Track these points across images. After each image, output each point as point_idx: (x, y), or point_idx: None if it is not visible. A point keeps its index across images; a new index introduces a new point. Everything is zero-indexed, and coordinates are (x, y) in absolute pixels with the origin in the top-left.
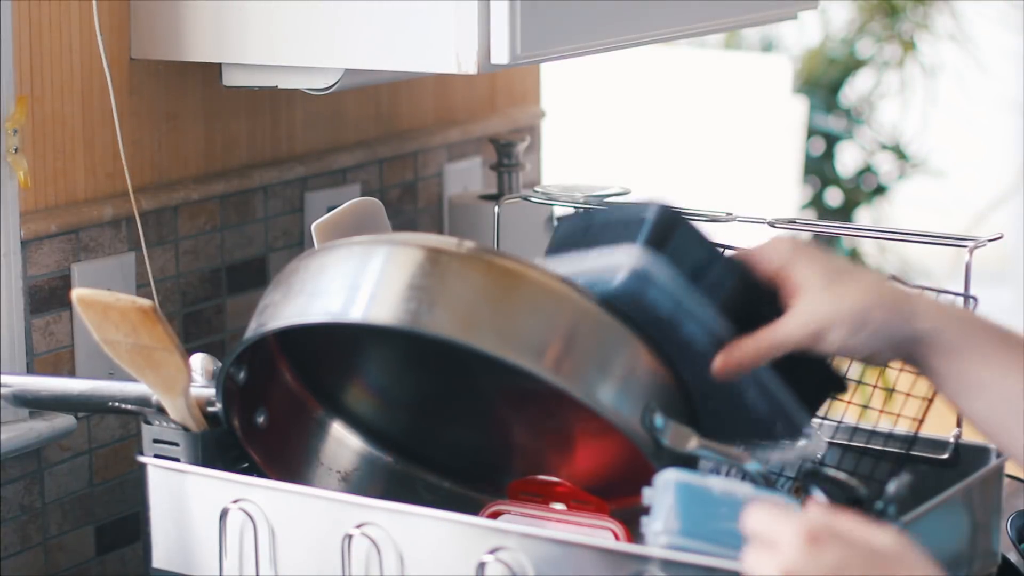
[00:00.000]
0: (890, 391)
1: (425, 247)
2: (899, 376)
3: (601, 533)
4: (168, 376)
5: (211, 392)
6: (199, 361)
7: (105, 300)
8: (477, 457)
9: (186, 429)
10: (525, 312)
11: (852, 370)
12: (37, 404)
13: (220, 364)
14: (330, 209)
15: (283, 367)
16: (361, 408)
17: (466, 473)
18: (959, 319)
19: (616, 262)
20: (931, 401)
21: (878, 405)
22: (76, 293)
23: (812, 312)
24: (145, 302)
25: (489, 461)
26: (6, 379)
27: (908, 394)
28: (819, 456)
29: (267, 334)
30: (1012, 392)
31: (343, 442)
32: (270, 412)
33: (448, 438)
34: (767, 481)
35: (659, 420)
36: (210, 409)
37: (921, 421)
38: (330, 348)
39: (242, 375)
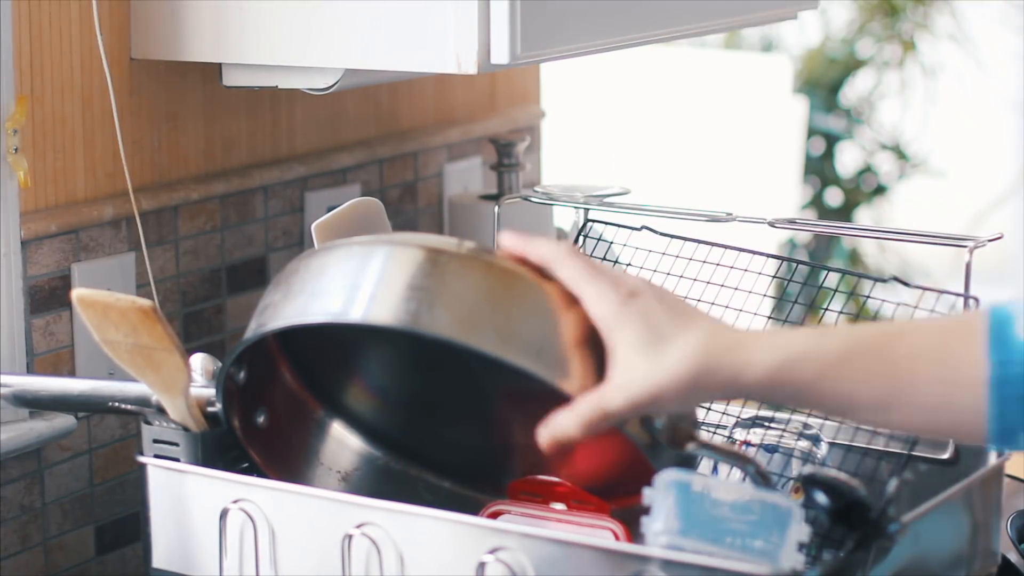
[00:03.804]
0: None
1: (425, 247)
2: None
3: (601, 533)
4: (168, 376)
5: (211, 392)
6: (199, 361)
7: (105, 300)
8: (477, 457)
9: (186, 429)
10: (525, 312)
11: None
12: (37, 404)
13: (220, 364)
14: (330, 209)
15: (283, 367)
16: (361, 408)
17: (466, 473)
18: (794, 353)
19: None
20: None
21: None
22: (76, 293)
23: (629, 384)
24: (145, 302)
25: (489, 461)
26: (6, 379)
27: None
28: (820, 457)
29: (267, 334)
30: (882, 396)
31: (343, 442)
32: (270, 412)
33: (448, 438)
34: (767, 481)
35: (659, 420)
36: (210, 409)
37: None
38: (330, 348)
39: (242, 375)
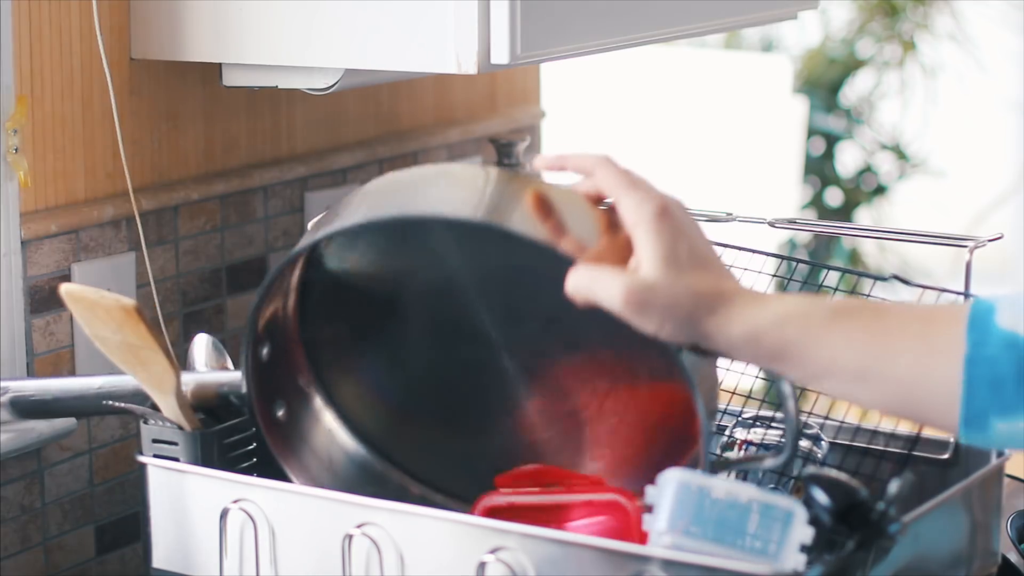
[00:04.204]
0: None
1: (469, 167)
2: None
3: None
4: (156, 374)
5: (210, 378)
6: (203, 342)
7: (91, 297)
8: (479, 472)
9: (180, 428)
10: (566, 212)
11: None
12: (40, 412)
13: (220, 348)
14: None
15: (301, 362)
16: (367, 418)
17: (466, 491)
18: (782, 312)
19: None
20: None
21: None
22: (64, 288)
23: (631, 280)
24: (128, 301)
25: (490, 473)
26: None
27: None
28: (821, 457)
29: (326, 236)
30: (860, 365)
31: (346, 450)
32: (288, 408)
33: (452, 446)
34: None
35: None
36: (229, 397)
37: None
38: (347, 336)
39: (265, 351)
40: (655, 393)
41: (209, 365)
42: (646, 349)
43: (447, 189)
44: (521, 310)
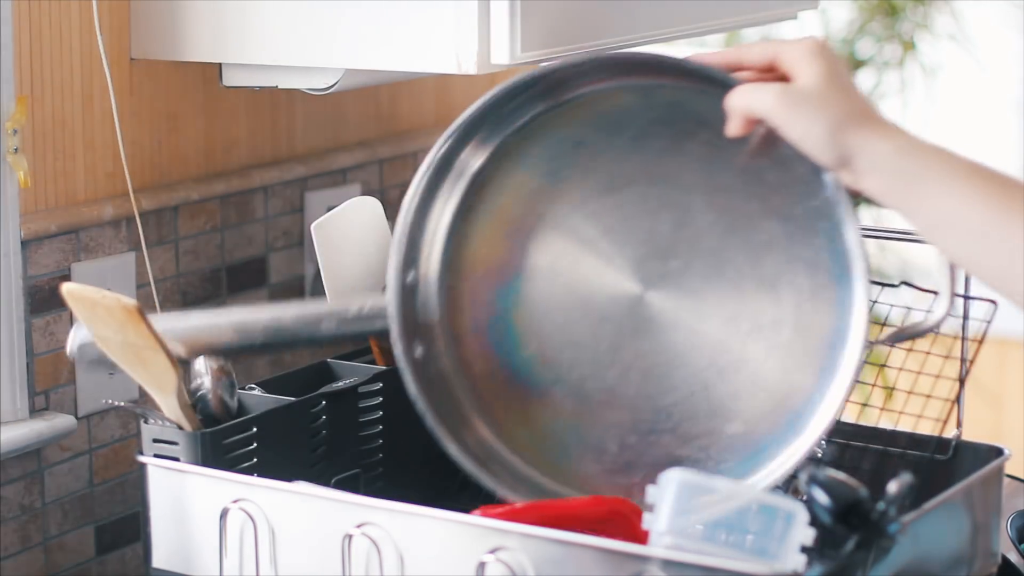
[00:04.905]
0: (891, 390)
1: None
2: (899, 375)
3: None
4: (157, 374)
5: (352, 305)
6: (203, 362)
7: (92, 296)
8: (607, 456)
9: (180, 428)
10: None
11: None
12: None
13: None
14: (330, 209)
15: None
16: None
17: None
18: (931, 146)
19: None
20: (930, 398)
21: (878, 404)
22: (65, 287)
23: (791, 88)
24: (130, 301)
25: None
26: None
27: (909, 392)
28: (821, 456)
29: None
30: (980, 220)
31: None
32: (426, 347)
33: (577, 429)
34: None
35: None
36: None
37: (921, 420)
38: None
39: (411, 276)
40: (799, 320)
41: (208, 366)
42: (789, 246)
43: None
44: (661, 247)
